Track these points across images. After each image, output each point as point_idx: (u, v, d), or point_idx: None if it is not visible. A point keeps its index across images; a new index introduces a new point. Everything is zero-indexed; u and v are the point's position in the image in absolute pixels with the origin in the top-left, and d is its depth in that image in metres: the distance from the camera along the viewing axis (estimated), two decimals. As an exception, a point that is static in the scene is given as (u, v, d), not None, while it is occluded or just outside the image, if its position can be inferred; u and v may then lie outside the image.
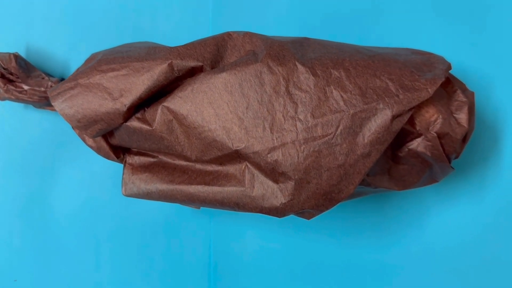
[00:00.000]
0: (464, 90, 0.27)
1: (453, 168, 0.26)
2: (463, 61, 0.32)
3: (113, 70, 0.24)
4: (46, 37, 0.31)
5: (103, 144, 0.26)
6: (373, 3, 0.31)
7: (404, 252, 0.31)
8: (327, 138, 0.23)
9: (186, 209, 0.32)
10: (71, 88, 0.25)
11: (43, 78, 0.29)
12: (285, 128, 0.23)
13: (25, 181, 0.31)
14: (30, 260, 0.31)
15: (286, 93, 0.23)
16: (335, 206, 0.24)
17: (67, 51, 0.31)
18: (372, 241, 0.31)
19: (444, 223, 0.31)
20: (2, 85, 0.28)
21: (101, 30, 0.31)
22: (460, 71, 0.32)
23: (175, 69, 0.24)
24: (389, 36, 0.32)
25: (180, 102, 0.24)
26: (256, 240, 0.31)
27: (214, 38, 0.25)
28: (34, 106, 0.30)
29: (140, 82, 0.24)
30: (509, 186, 0.31)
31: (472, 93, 0.26)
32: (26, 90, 0.29)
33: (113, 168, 0.31)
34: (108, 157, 0.27)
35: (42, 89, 0.29)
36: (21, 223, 0.31)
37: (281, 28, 0.31)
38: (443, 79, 0.23)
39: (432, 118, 0.24)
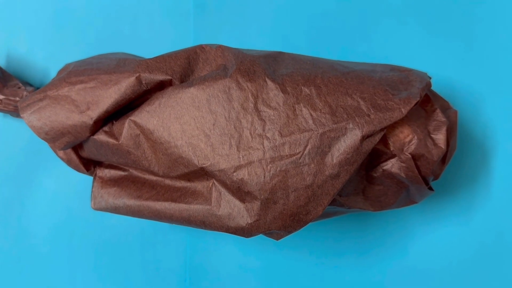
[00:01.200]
0: (447, 108, 0.26)
1: (432, 189, 0.25)
2: (452, 77, 0.31)
3: (81, 82, 0.24)
4: (26, 46, 0.31)
5: (73, 156, 0.26)
6: (360, 18, 0.31)
7: (387, 273, 0.30)
8: (294, 157, 0.22)
9: (163, 223, 0.31)
10: (40, 100, 0.24)
11: (19, 88, 0.29)
12: (252, 146, 0.22)
13: (2, 189, 0.31)
14: (4, 268, 0.31)
15: (254, 110, 0.23)
16: (304, 227, 0.23)
17: (47, 59, 0.31)
18: (354, 261, 0.30)
19: (429, 244, 0.30)
20: (-22, 94, 0.28)
21: (81, 39, 0.31)
22: (448, 88, 0.31)
23: (143, 82, 0.24)
24: (376, 51, 0.31)
25: (147, 117, 0.23)
26: (234, 256, 0.31)
27: (185, 51, 0.25)
28: (11, 115, 0.30)
29: (107, 95, 0.24)
30: (498, 206, 0.30)
31: (455, 112, 0.25)
32: (1, 100, 0.28)
33: (91, 178, 0.31)
34: (78, 170, 0.26)
35: (17, 98, 0.28)
36: (-4, 233, 0.31)
37: (264, 41, 0.31)
38: (418, 99, 0.22)
39: (407, 139, 0.23)
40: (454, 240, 0.30)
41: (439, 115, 0.24)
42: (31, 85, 0.30)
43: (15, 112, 0.29)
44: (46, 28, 0.31)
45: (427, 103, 0.25)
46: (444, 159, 0.25)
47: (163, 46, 0.31)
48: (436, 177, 0.25)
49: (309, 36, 0.31)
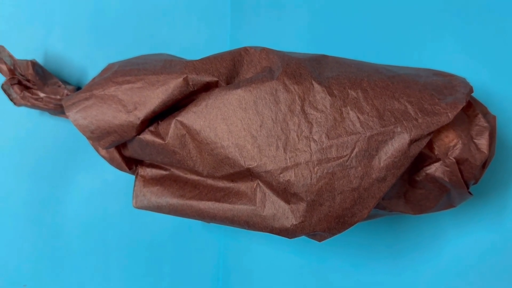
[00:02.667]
0: (486, 113, 0.26)
1: (471, 194, 0.25)
2: (485, 82, 0.31)
3: (128, 82, 0.24)
4: (64, 44, 0.31)
5: (116, 155, 0.26)
6: (394, 23, 0.31)
7: (419, 276, 0.30)
8: (341, 160, 0.22)
9: (197, 222, 0.31)
10: (86, 99, 0.25)
11: (59, 86, 0.29)
12: (298, 148, 0.23)
13: (38, 187, 0.31)
14: (40, 266, 0.31)
15: (301, 112, 0.23)
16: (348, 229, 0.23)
17: (84, 58, 0.31)
18: (386, 263, 0.31)
19: (461, 248, 0.30)
20: (19, 92, 0.29)
21: (119, 39, 0.31)
22: (481, 93, 0.31)
23: (190, 83, 0.24)
24: (410, 56, 0.31)
25: (194, 117, 0.24)
26: (267, 256, 0.31)
27: (230, 53, 0.25)
28: (50, 113, 0.30)
29: (154, 96, 0.24)
30: (530, 212, 0.30)
31: (494, 117, 0.26)
32: (42, 98, 0.29)
33: (126, 177, 0.31)
34: (120, 168, 0.27)
35: (58, 97, 0.29)
36: (33, 229, 0.31)
37: (299, 43, 0.31)
38: (464, 104, 0.23)
39: (452, 143, 0.23)
40: (487, 243, 0.30)
41: (481, 120, 0.24)
42: (69, 83, 0.31)
43: (54, 110, 0.29)
44: (84, 28, 0.31)
45: (469, 108, 0.25)
46: (484, 164, 0.25)
47: (199, 47, 0.31)
48: (476, 181, 0.25)
49: (344, 39, 0.31)
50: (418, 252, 0.31)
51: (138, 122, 0.24)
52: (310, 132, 0.23)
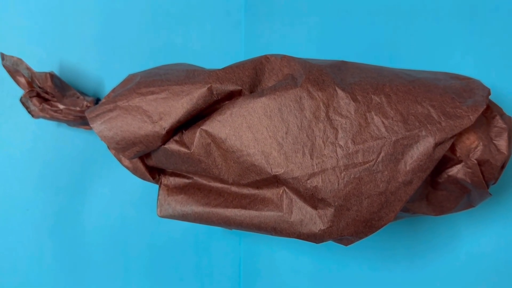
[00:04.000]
0: (502, 114, 0.26)
1: (490, 194, 0.26)
2: (496, 84, 0.31)
3: (152, 93, 0.25)
4: (79, 56, 0.32)
5: (140, 165, 0.26)
6: (404, 26, 0.31)
7: (436, 276, 0.31)
8: (368, 165, 0.23)
9: (217, 229, 0.32)
10: (110, 110, 0.25)
11: (78, 98, 0.29)
12: (325, 154, 0.23)
13: (57, 198, 0.31)
14: (60, 277, 0.31)
15: (326, 119, 0.23)
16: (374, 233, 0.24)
17: (100, 69, 0.32)
18: (404, 264, 0.31)
19: (477, 247, 0.31)
20: (38, 104, 0.29)
21: (133, 48, 0.32)
22: (493, 94, 0.31)
23: (214, 93, 0.24)
24: (421, 58, 0.31)
25: (219, 126, 0.24)
26: (286, 261, 0.31)
27: (252, 61, 0.25)
28: (68, 124, 0.30)
29: (179, 106, 0.24)
30: (543, 209, 0.31)
31: (510, 118, 0.26)
32: (61, 110, 0.29)
33: (144, 186, 0.31)
34: (144, 178, 0.27)
35: (78, 108, 0.29)
36: (53, 240, 0.31)
37: (313, 50, 0.31)
38: (485, 107, 0.23)
39: (473, 145, 0.24)
40: (502, 241, 0.31)
41: (500, 122, 0.25)
42: (87, 95, 0.31)
43: (74, 122, 0.29)
44: (99, 38, 0.32)
45: (487, 110, 0.25)
46: (503, 165, 0.25)
47: (214, 55, 0.32)
48: (495, 182, 0.26)
49: (357, 44, 0.31)
50: (435, 252, 0.31)
51: (164, 132, 0.24)
52: (336, 138, 0.23)
